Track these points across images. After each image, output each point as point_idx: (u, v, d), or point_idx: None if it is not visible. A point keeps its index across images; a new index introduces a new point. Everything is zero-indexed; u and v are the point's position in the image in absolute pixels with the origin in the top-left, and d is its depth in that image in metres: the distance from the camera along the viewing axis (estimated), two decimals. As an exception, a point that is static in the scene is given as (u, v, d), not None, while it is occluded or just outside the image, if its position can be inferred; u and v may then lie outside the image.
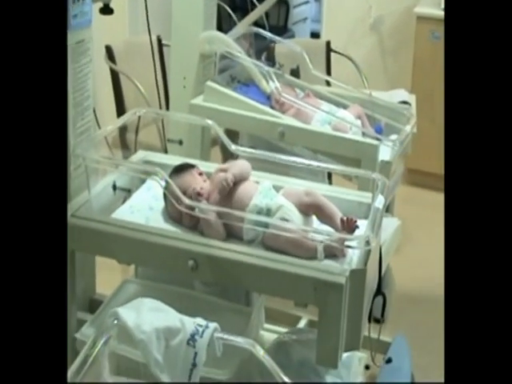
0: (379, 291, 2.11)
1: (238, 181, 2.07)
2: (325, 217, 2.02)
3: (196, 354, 1.58)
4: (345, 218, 1.94)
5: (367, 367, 2.30)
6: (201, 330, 1.61)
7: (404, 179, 4.02)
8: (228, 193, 2.04)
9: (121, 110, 3.88)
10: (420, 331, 3.39)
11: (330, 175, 3.41)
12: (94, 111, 2.37)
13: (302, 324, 2.52)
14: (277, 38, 3.30)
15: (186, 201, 1.95)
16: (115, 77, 3.95)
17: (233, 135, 3.14)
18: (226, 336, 1.63)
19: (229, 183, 2.02)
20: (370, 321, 2.05)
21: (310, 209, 2.02)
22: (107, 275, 2.46)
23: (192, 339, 1.59)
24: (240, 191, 2.05)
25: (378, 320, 2.27)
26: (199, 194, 2.02)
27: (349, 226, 1.93)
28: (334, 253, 1.92)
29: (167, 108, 3.23)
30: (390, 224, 2.80)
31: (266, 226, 1.94)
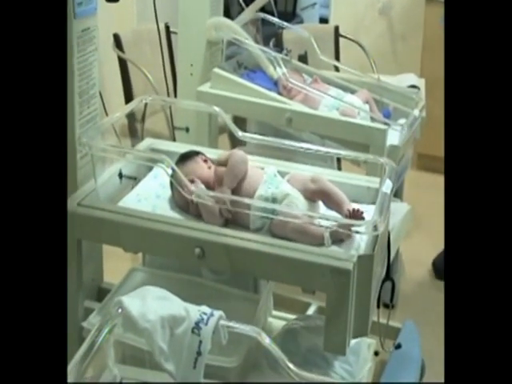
0: (388, 276, 2.10)
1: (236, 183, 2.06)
2: (332, 203, 2.01)
3: (201, 342, 1.57)
4: (351, 209, 1.93)
5: (376, 353, 2.29)
6: (206, 317, 1.60)
7: (414, 164, 4.01)
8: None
9: (129, 98, 3.87)
10: (429, 316, 3.39)
11: (339, 160, 3.40)
12: (102, 99, 2.36)
13: (311, 310, 2.52)
14: (284, 23, 3.29)
15: (192, 188, 1.94)
16: (123, 65, 3.95)
17: (241, 122, 3.14)
18: (231, 324, 1.63)
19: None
20: (378, 306, 2.04)
21: (316, 195, 2.01)
22: (116, 263, 2.47)
23: (197, 327, 1.58)
24: (244, 182, 2.04)
25: (387, 305, 2.26)
26: (192, 181, 2.01)
27: (355, 217, 1.91)
28: (340, 237, 1.91)
29: (176, 96, 3.22)
30: (399, 209, 2.79)
31: (273, 213, 1.93)
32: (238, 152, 2.14)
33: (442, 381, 1.46)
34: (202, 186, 2.01)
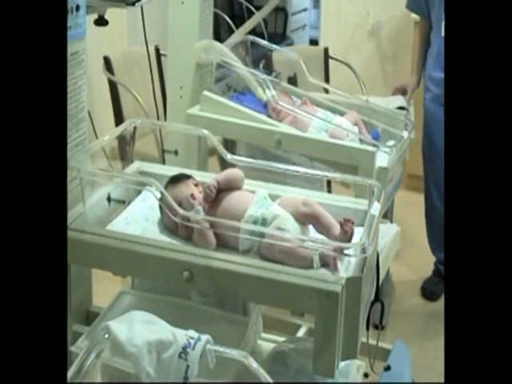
0: (377, 298, 2.10)
1: (228, 189, 2.07)
2: (322, 227, 2.01)
3: (188, 366, 1.57)
4: (342, 220, 1.93)
5: (366, 375, 2.29)
6: (193, 342, 1.60)
7: (403, 184, 4.02)
8: (221, 202, 2.04)
9: (119, 120, 3.88)
10: (420, 337, 3.39)
11: (329, 183, 3.41)
12: (92, 122, 2.36)
13: (301, 332, 2.51)
14: (273, 45, 3.31)
15: (181, 211, 1.95)
16: (113, 88, 3.96)
17: (230, 144, 3.15)
18: (218, 348, 1.63)
19: (212, 190, 2.03)
20: (368, 328, 2.04)
21: (307, 219, 2.01)
22: (106, 286, 2.46)
23: (184, 352, 1.58)
24: (234, 201, 2.05)
25: (377, 326, 2.26)
26: (192, 197, 2.03)
27: (346, 225, 1.92)
28: (328, 262, 1.91)
29: (166, 118, 3.24)
30: (389, 230, 2.79)
31: (262, 235, 1.93)
32: (236, 169, 2.17)
33: None
34: (200, 208, 2.02)
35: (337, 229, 1.97)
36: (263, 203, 2.04)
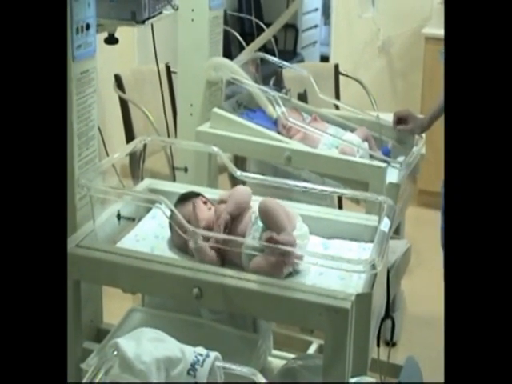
0: (387, 315, 2.09)
1: (237, 214, 2.06)
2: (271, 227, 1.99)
3: (196, 383, 1.57)
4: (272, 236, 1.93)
5: (377, 392, 2.28)
6: (201, 359, 1.60)
7: (415, 200, 4.01)
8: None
9: (130, 137, 3.88)
10: (432, 353, 3.37)
11: (339, 199, 3.41)
12: (103, 139, 2.36)
13: (312, 349, 2.50)
14: (283, 62, 3.32)
15: (191, 229, 1.95)
16: (124, 105, 3.97)
17: (241, 161, 3.15)
18: (227, 365, 1.62)
19: (227, 226, 2.02)
20: (379, 344, 2.03)
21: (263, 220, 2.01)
22: (118, 303, 2.46)
23: (192, 369, 1.58)
24: (238, 226, 2.05)
25: (388, 343, 2.25)
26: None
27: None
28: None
29: (176, 135, 3.24)
30: (399, 246, 2.79)
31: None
32: (242, 186, 2.16)
33: None
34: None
35: (283, 231, 1.95)
36: (260, 225, 2.02)
